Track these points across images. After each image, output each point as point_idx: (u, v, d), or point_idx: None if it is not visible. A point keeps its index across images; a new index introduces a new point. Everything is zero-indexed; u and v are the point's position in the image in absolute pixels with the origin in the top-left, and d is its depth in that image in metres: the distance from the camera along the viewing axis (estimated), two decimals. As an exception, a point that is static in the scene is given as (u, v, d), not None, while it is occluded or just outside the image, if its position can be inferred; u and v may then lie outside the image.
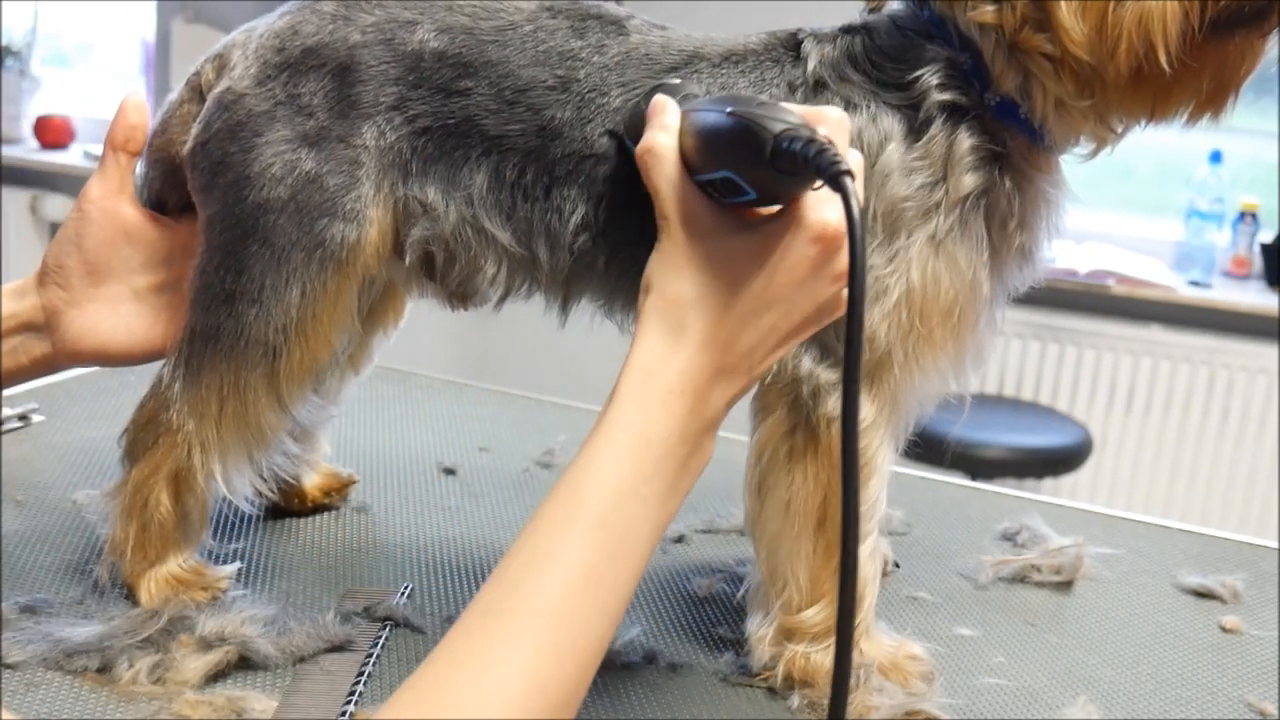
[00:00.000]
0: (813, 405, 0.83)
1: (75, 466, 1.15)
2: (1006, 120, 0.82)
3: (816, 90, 0.83)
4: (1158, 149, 3.25)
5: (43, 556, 0.96)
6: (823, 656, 0.85)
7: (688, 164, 0.68)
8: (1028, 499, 1.30)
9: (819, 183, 0.63)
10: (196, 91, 0.91)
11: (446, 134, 0.86)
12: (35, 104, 3.89)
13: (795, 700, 0.85)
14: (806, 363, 0.83)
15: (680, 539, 1.11)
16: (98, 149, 3.60)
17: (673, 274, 0.67)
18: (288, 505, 1.08)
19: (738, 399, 0.69)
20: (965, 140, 0.82)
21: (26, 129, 3.84)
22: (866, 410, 0.83)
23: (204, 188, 0.88)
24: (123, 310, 0.92)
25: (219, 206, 0.87)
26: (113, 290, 0.92)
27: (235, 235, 0.86)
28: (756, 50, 0.86)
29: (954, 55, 0.82)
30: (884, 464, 0.86)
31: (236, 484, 0.91)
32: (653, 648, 0.90)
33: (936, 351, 0.83)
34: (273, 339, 0.87)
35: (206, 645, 0.83)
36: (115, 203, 0.92)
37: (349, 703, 0.80)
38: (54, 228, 3.84)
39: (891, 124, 0.82)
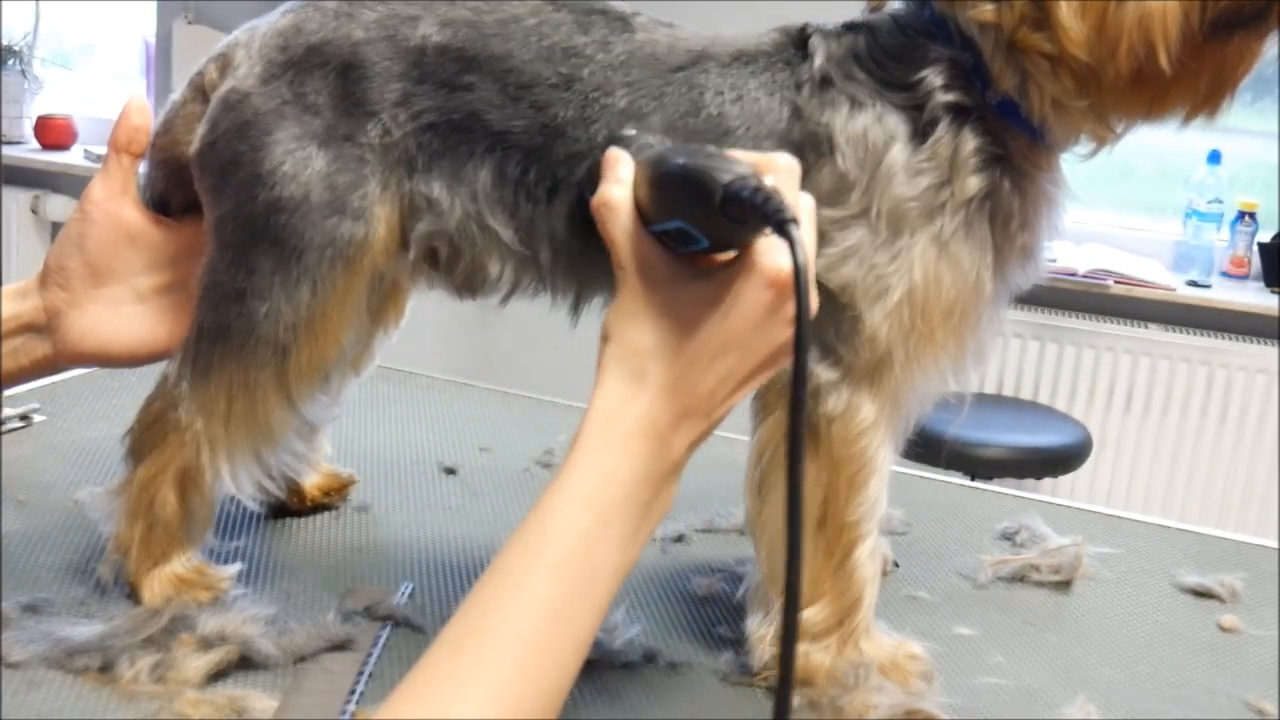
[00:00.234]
0: (813, 405, 0.83)
1: (77, 466, 1.15)
2: (1008, 119, 0.83)
3: (822, 86, 0.83)
4: (1157, 149, 3.25)
5: (44, 556, 0.97)
6: (823, 656, 0.86)
7: (643, 214, 0.69)
8: (1027, 499, 1.30)
9: (769, 229, 0.64)
10: (200, 92, 0.91)
11: (451, 129, 0.86)
12: (36, 104, 3.89)
13: (795, 699, 0.85)
14: (807, 362, 0.83)
15: (680, 539, 1.11)
16: (99, 149, 3.63)
17: (631, 323, 0.68)
18: (288, 505, 1.09)
19: (699, 443, 0.70)
20: (970, 142, 0.82)
21: (28, 129, 3.85)
22: (867, 410, 0.84)
23: (213, 187, 0.88)
24: (125, 311, 0.92)
25: (230, 206, 0.87)
26: (115, 291, 0.92)
27: (247, 234, 0.86)
28: (768, 51, 0.86)
29: (956, 55, 0.82)
30: (884, 463, 0.86)
31: (244, 483, 0.91)
32: (653, 647, 0.90)
33: (938, 351, 0.83)
34: (283, 337, 0.87)
35: (207, 644, 0.83)
36: (118, 204, 0.92)
37: (349, 702, 0.80)
38: (55, 228, 3.84)
39: (896, 124, 0.82)
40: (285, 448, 0.97)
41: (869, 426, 0.84)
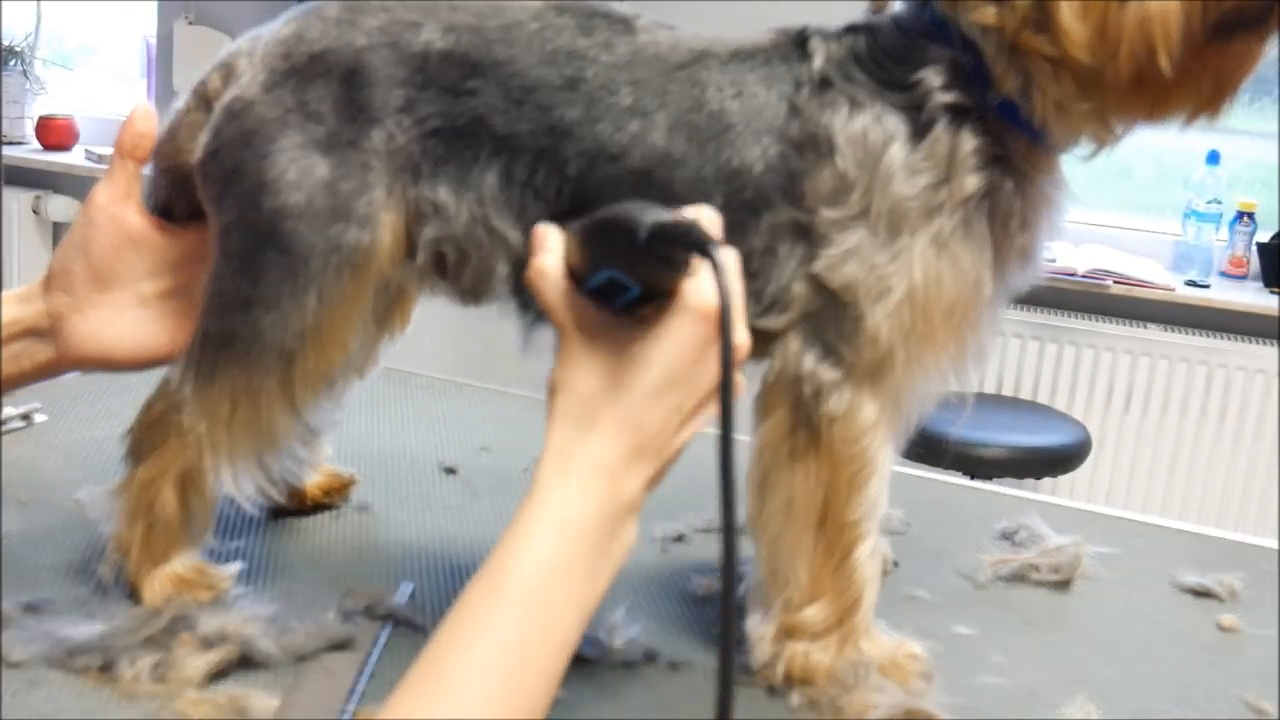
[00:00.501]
0: (814, 405, 0.84)
1: (78, 466, 1.15)
2: (1008, 121, 0.83)
3: (822, 88, 0.84)
4: (1156, 150, 3.25)
5: (45, 556, 0.97)
6: (823, 655, 0.86)
7: (575, 277, 0.72)
8: (1026, 498, 1.30)
9: (692, 262, 0.69)
10: (203, 100, 0.91)
11: (455, 134, 0.86)
12: (38, 105, 3.89)
13: (795, 698, 0.85)
14: (808, 362, 0.84)
15: (680, 539, 1.11)
16: (100, 150, 3.63)
17: (576, 373, 0.72)
18: (288, 504, 1.09)
19: (654, 483, 0.72)
20: (968, 141, 0.82)
21: (29, 130, 3.85)
22: (868, 409, 0.84)
23: (217, 196, 0.88)
24: (127, 316, 0.92)
25: (234, 214, 0.87)
26: (118, 296, 0.92)
27: (252, 242, 0.86)
28: (765, 48, 0.87)
29: (956, 56, 0.82)
30: (884, 463, 0.86)
31: (245, 485, 0.92)
32: (653, 647, 0.90)
33: (938, 351, 0.84)
34: (289, 344, 0.87)
35: (208, 644, 0.83)
36: (122, 209, 0.92)
37: (350, 702, 0.80)
38: (56, 228, 3.85)
39: (895, 124, 0.82)
40: (288, 452, 0.97)
41: (870, 426, 0.84)
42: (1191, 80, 0.78)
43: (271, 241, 0.85)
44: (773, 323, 0.85)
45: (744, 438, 0.88)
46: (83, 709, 0.77)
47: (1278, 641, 1.02)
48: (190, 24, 3.70)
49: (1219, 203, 3.03)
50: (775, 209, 0.84)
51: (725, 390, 0.66)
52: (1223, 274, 3.08)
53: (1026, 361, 3.09)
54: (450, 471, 1.23)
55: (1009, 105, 0.82)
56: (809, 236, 0.83)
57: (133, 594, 0.90)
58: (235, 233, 0.87)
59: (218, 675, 0.82)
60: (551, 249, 0.73)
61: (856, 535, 0.85)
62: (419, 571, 1.00)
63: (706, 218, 0.72)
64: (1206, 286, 2.98)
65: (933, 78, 0.82)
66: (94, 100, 4.13)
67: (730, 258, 0.71)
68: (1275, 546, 1.22)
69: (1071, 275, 2.94)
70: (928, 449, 2.37)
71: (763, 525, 0.87)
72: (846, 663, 0.85)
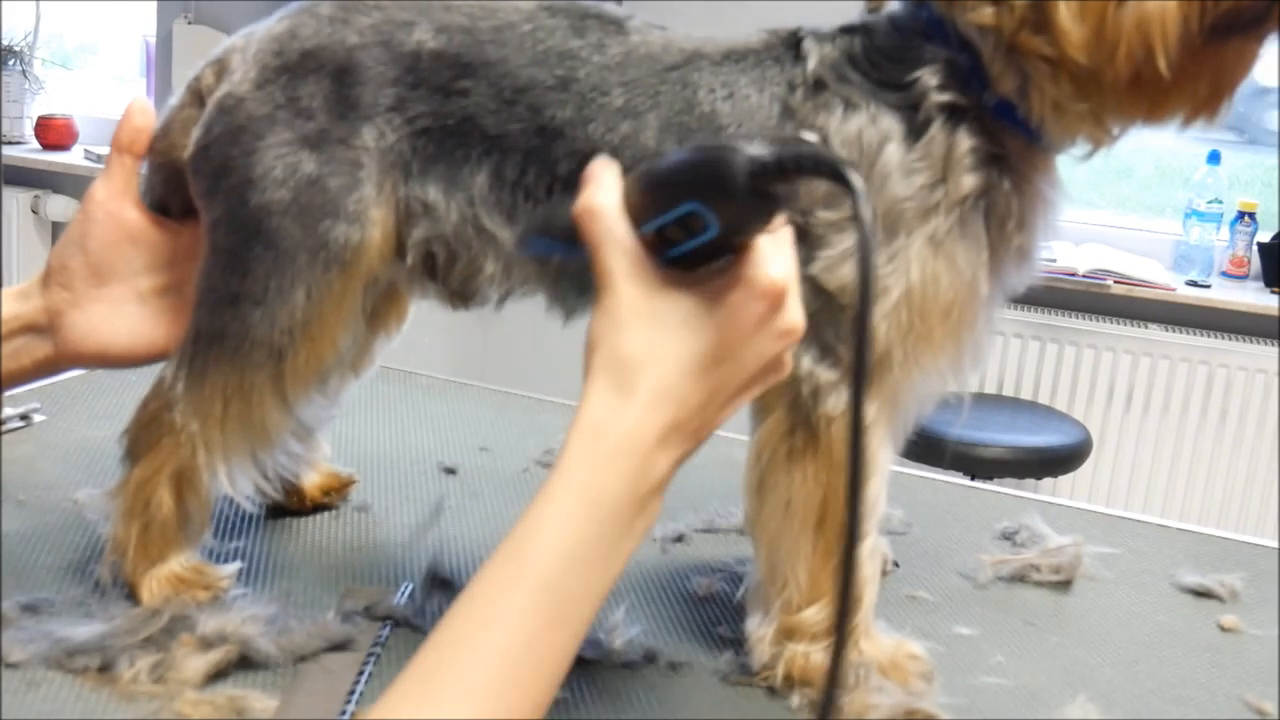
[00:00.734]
0: (812, 405, 0.84)
1: (77, 466, 1.15)
2: (1004, 121, 0.83)
3: (816, 89, 0.84)
4: (1157, 150, 3.25)
5: (44, 556, 0.97)
6: (823, 656, 0.86)
7: (633, 216, 0.67)
8: (1027, 498, 1.30)
9: (780, 218, 0.63)
10: (197, 96, 0.92)
11: (446, 134, 0.86)
12: (37, 104, 3.89)
13: (795, 699, 0.85)
14: (806, 362, 0.84)
15: (680, 539, 1.11)
16: (99, 149, 3.63)
17: (619, 331, 0.66)
18: (287, 504, 1.09)
19: (684, 460, 0.68)
20: (964, 141, 0.82)
21: (28, 129, 3.85)
22: (866, 410, 0.83)
23: (207, 192, 0.88)
24: (126, 312, 0.92)
25: (222, 210, 0.87)
26: (116, 292, 0.92)
27: (239, 238, 0.86)
28: (757, 49, 0.87)
29: (952, 56, 0.82)
30: (883, 464, 0.86)
31: (240, 484, 0.92)
32: (653, 647, 0.90)
33: (935, 351, 0.83)
34: (278, 340, 0.87)
35: (207, 644, 0.83)
36: (120, 205, 0.92)
37: (349, 702, 0.80)
38: (56, 228, 3.85)
39: (891, 124, 0.82)
40: (282, 449, 0.97)
41: (868, 426, 0.84)
42: (1189, 81, 0.78)
43: (258, 237, 0.86)
44: None
45: (742, 438, 0.88)
46: (81, 710, 0.77)
47: (1278, 642, 1.02)
48: (189, 23, 3.71)
49: (1220, 202, 3.03)
50: None
51: (863, 311, 0.58)
52: (1223, 274, 3.08)
53: (1027, 361, 3.09)
54: (450, 471, 1.23)
55: (1005, 105, 0.82)
56: (805, 239, 0.83)
57: (131, 594, 0.90)
58: (224, 228, 0.87)
59: (217, 676, 0.81)
60: (607, 185, 0.68)
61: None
62: (419, 571, 1.00)
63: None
64: (1207, 286, 2.98)
65: (929, 77, 0.82)
66: (93, 100, 4.13)
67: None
68: (1276, 546, 1.22)
69: (1072, 275, 2.94)
70: (928, 449, 2.37)
71: (761, 526, 0.87)
72: (847, 664, 0.85)
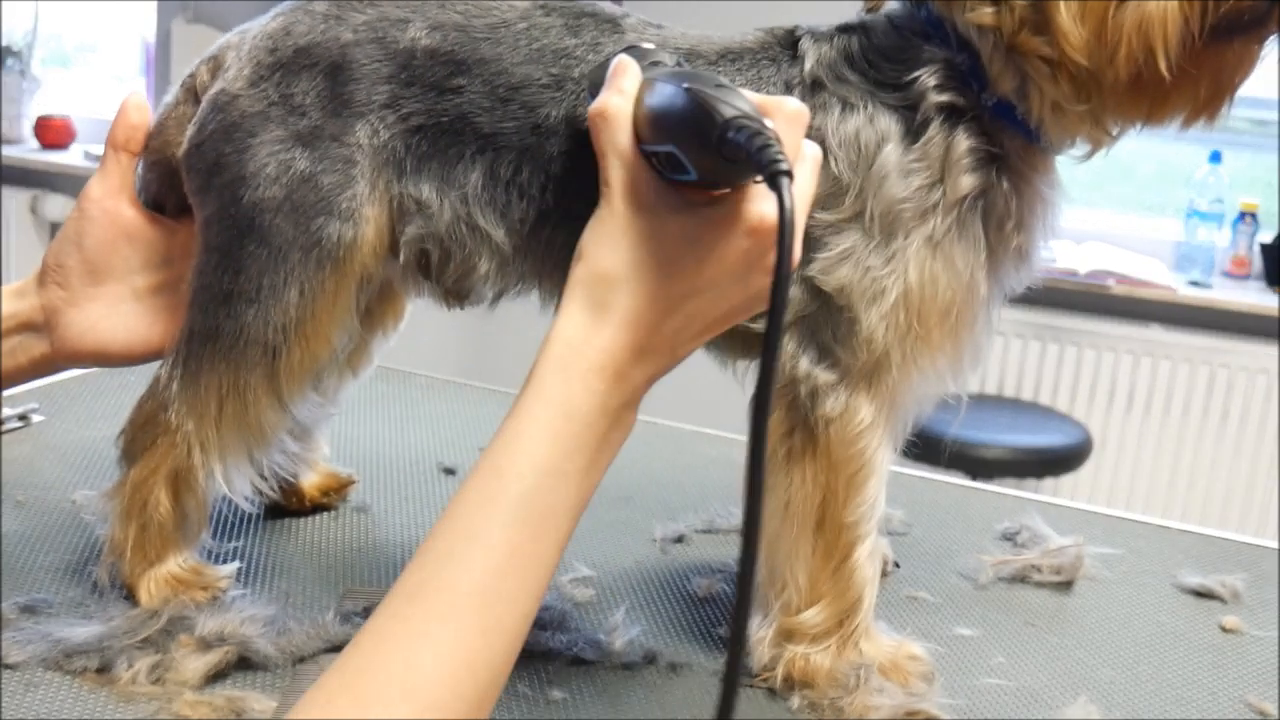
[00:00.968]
0: (810, 406, 0.83)
1: (75, 466, 1.15)
2: (1003, 121, 0.82)
3: (814, 90, 0.83)
4: (1157, 150, 3.25)
5: (42, 557, 0.96)
6: (822, 658, 0.85)
7: (638, 132, 0.67)
8: (1027, 499, 1.30)
9: (760, 177, 0.62)
10: (192, 93, 0.91)
11: (440, 132, 0.86)
12: (36, 104, 3.89)
13: (795, 701, 0.85)
14: (804, 364, 0.84)
15: (680, 539, 1.11)
16: (98, 149, 3.62)
17: (606, 245, 0.67)
18: (286, 505, 1.08)
19: (659, 377, 0.69)
20: (963, 142, 0.82)
21: (27, 129, 3.85)
22: (865, 411, 0.83)
23: (200, 189, 0.88)
24: (122, 310, 0.92)
25: (215, 207, 0.87)
26: (112, 290, 0.92)
27: (232, 236, 0.86)
28: (753, 49, 0.86)
29: (951, 56, 0.82)
30: (883, 464, 0.86)
31: (236, 483, 0.91)
32: (653, 648, 0.90)
33: (934, 352, 0.83)
34: (272, 339, 0.87)
35: (206, 645, 0.83)
36: (116, 202, 0.92)
37: (348, 703, 0.80)
38: (54, 228, 3.85)
39: (889, 124, 0.82)
40: (278, 448, 0.97)
41: (867, 428, 0.84)
42: (1189, 82, 0.78)
43: (251, 235, 0.85)
44: None
45: (742, 438, 0.88)
46: (80, 711, 0.77)
47: (1279, 643, 1.02)
48: (189, 23, 3.71)
49: (1221, 202, 3.02)
50: None
51: (774, 316, 0.57)
52: (1225, 274, 3.08)
53: (1027, 361, 3.09)
54: (450, 472, 1.23)
55: (1005, 105, 0.82)
56: (803, 240, 0.82)
57: (129, 595, 0.90)
58: (217, 226, 0.87)
59: (215, 676, 0.81)
60: (624, 90, 0.68)
61: (855, 537, 0.85)
62: (418, 572, 1.00)
63: (790, 110, 0.66)
64: (1209, 287, 2.98)
65: (927, 78, 0.82)
66: (92, 100, 4.13)
67: (812, 159, 0.67)
68: (1277, 547, 1.21)
69: (1073, 275, 2.94)
70: (928, 449, 2.37)
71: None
72: (847, 665, 0.85)
